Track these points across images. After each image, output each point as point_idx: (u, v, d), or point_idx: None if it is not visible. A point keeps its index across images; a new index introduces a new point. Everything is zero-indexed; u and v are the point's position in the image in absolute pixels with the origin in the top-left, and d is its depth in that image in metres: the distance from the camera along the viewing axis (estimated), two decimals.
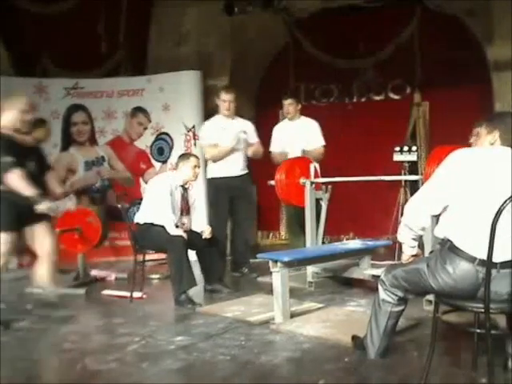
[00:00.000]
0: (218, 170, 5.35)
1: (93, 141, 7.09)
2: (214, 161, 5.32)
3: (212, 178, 5.44)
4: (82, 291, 4.94)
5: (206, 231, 4.66)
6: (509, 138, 2.52)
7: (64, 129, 7.01)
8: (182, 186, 4.71)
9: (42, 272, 4.13)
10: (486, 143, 2.59)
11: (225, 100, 5.25)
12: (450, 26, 6.41)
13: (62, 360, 3.21)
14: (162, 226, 4.45)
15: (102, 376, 2.93)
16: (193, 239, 4.56)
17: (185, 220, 4.76)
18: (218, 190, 5.39)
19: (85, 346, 3.43)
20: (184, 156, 4.86)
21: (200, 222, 4.86)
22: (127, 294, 4.62)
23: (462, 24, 6.34)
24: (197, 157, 4.87)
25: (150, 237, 4.54)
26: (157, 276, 5.56)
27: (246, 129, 5.42)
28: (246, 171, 5.46)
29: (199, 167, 4.78)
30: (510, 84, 5.83)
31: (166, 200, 4.52)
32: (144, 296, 4.69)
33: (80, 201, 6.90)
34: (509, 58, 5.80)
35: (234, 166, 5.33)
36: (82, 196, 6.95)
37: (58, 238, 5.35)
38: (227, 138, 5.27)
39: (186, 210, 4.76)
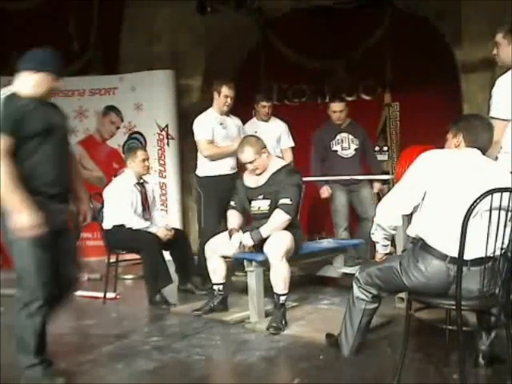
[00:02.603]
0: (209, 169, 5.10)
1: None
2: (213, 159, 4.98)
3: (204, 177, 5.06)
4: None
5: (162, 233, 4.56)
6: (473, 140, 2.60)
7: None
8: (138, 182, 4.68)
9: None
10: (452, 146, 2.67)
11: (227, 95, 4.88)
12: (421, 28, 6.50)
13: None
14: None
15: (76, 378, 2.90)
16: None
17: (147, 216, 4.73)
18: (210, 189, 5.19)
19: (58, 348, 3.38)
20: (131, 152, 4.86)
21: (171, 220, 4.83)
22: (100, 294, 4.58)
23: (432, 26, 6.44)
24: (144, 150, 4.96)
25: (122, 238, 4.50)
26: (130, 276, 5.53)
27: (239, 125, 5.29)
28: (236, 170, 5.28)
29: (148, 159, 4.80)
30: (477, 85, 5.93)
31: (125, 204, 4.52)
32: (117, 296, 4.66)
33: None
34: (476, 60, 5.90)
35: (227, 165, 5.13)
36: None
37: None
38: (228, 136, 5.01)
39: (146, 206, 4.75)
